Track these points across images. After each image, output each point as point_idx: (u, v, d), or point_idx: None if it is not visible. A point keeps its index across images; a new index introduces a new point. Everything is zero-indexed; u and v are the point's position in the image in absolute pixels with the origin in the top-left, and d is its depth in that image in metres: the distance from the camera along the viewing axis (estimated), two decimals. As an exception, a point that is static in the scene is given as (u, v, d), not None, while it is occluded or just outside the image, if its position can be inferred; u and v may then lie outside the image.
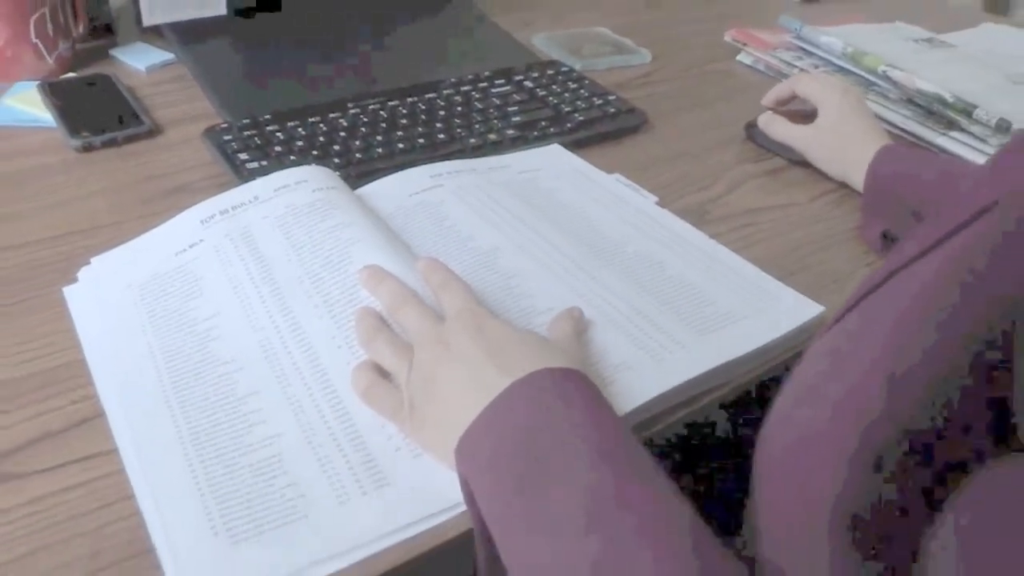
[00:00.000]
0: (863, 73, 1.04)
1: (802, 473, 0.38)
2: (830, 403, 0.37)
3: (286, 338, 0.60)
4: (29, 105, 0.94)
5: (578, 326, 0.60)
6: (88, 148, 0.86)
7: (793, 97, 0.94)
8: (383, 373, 0.56)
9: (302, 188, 0.72)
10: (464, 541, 0.49)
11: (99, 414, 0.55)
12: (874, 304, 0.40)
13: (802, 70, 1.09)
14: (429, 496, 0.50)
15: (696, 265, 0.70)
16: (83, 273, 0.66)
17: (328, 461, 0.52)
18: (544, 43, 1.16)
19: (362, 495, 0.50)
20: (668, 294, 0.66)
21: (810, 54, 1.13)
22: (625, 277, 0.68)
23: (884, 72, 1.01)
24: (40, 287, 0.66)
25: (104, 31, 1.11)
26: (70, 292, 0.65)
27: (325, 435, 0.53)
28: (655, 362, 0.59)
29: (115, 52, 1.08)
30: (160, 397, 0.55)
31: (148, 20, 1.02)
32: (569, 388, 0.49)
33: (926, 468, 0.33)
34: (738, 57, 1.19)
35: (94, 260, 0.67)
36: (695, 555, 0.40)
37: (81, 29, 1.06)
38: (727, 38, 1.23)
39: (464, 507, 0.49)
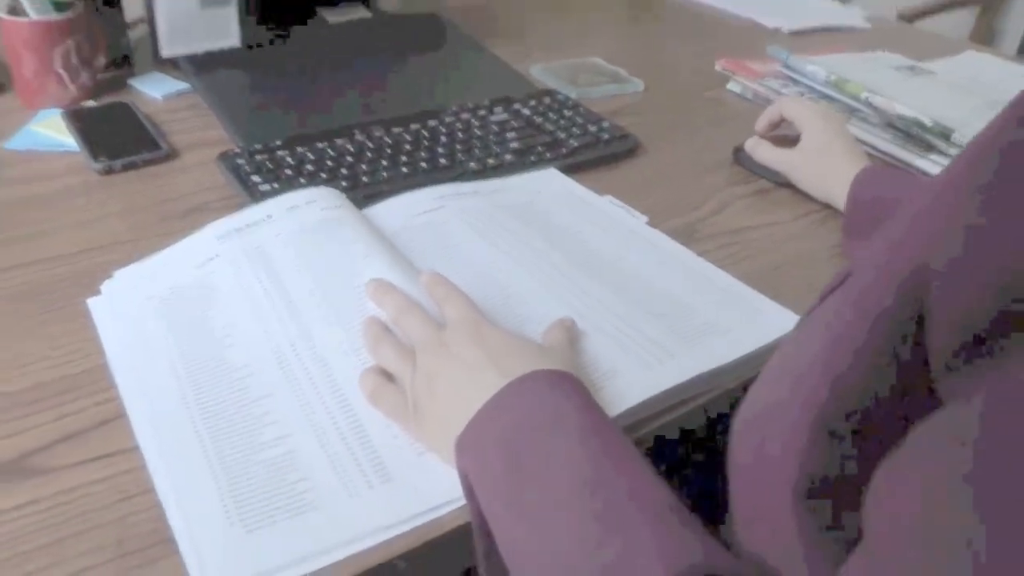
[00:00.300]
0: (846, 99, 1.09)
1: (764, 443, 0.42)
2: (787, 385, 0.42)
3: (297, 345, 0.64)
4: (53, 131, 0.99)
5: (570, 335, 0.64)
6: (109, 171, 0.91)
7: (782, 121, 0.99)
8: (388, 377, 0.60)
9: (312, 208, 0.76)
10: (464, 534, 0.52)
11: (121, 415, 0.59)
12: (827, 303, 0.44)
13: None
14: (431, 491, 0.54)
15: (683, 279, 0.74)
16: (106, 286, 0.70)
17: (337, 458, 0.55)
18: (541, 73, 1.21)
19: (369, 489, 0.54)
20: (656, 306, 0.70)
21: (796, 82, 1.18)
22: (615, 290, 0.72)
23: (866, 98, 1.06)
24: (65, 299, 0.70)
25: (123, 62, 1.16)
26: (94, 303, 0.69)
27: (334, 434, 0.57)
28: (643, 369, 0.63)
29: (133, 81, 1.13)
30: (179, 399, 0.59)
31: (166, 52, 1.07)
32: (563, 387, 0.53)
33: (872, 438, 0.36)
34: (728, 85, 1.24)
35: (116, 273, 0.71)
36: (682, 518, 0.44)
37: (102, 60, 1.11)
38: (718, 67, 1.27)
39: (463, 501, 0.52)
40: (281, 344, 0.64)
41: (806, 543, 0.39)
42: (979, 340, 0.31)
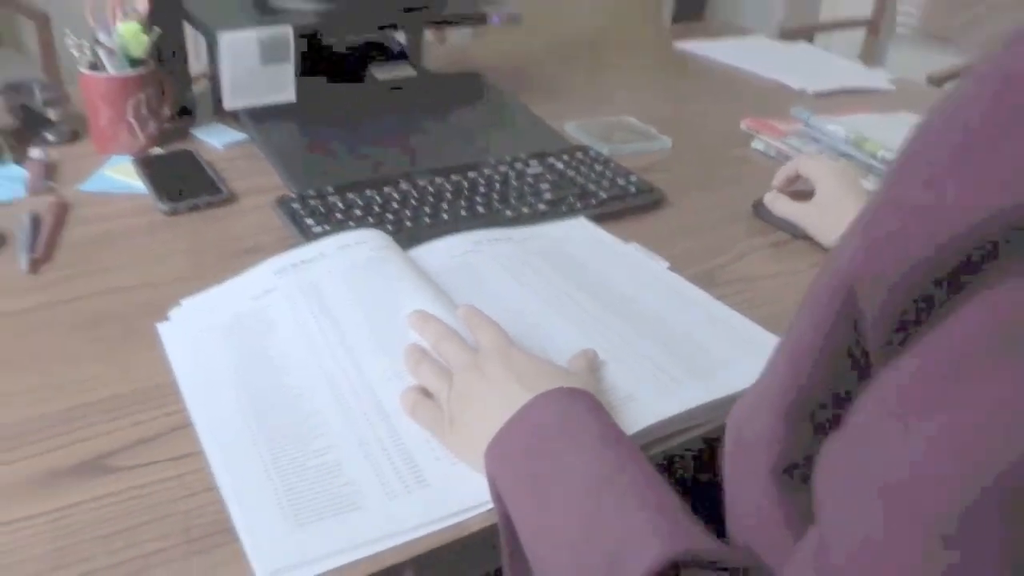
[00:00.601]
0: (864, 157, 1.15)
1: (747, 433, 0.47)
2: (764, 383, 0.48)
3: (346, 368, 0.70)
4: (124, 175, 1.08)
5: (592, 364, 0.70)
6: (174, 212, 0.99)
7: (799, 177, 1.05)
8: (427, 395, 0.66)
9: (361, 248, 0.83)
10: (491, 535, 0.58)
11: (187, 424, 0.66)
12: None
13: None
14: (462, 495, 0.60)
15: (698, 319, 0.80)
16: (174, 313, 0.78)
17: (378, 465, 0.62)
18: (575, 130, 1.29)
19: (406, 492, 0.60)
20: (671, 342, 0.76)
21: (818, 141, 1.24)
22: (634, 327, 0.78)
23: (882, 156, 1.12)
24: (137, 324, 0.77)
25: (186, 114, 1.26)
26: (163, 328, 0.76)
27: (376, 445, 0.64)
28: (657, 395, 0.69)
29: (196, 131, 1.23)
30: (239, 412, 0.66)
31: (229, 106, 1.16)
32: (582, 402, 0.59)
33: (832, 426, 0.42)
34: (752, 144, 1.30)
35: (183, 302, 0.79)
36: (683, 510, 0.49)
37: (167, 112, 1.20)
38: (743, 126, 1.34)
39: (490, 505, 0.58)
40: (331, 368, 0.71)
41: (783, 522, 0.45)
42: (903, 327, 0.37)
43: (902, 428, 0.35)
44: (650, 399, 0.68)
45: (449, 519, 0.58)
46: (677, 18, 5.04)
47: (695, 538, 0.47)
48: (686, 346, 0.76)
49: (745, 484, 0.48)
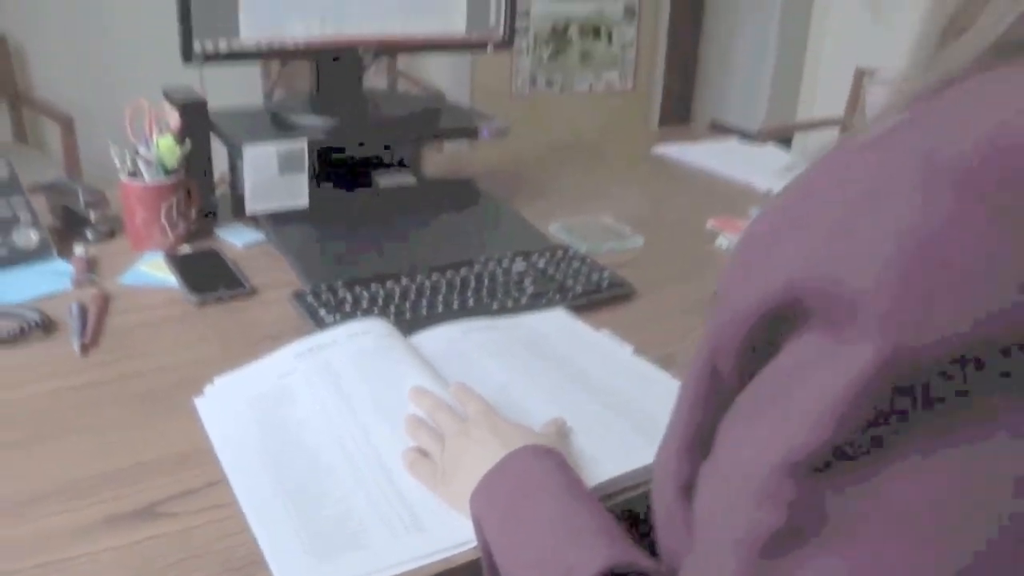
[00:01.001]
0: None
1: (660, 465, 0.59)
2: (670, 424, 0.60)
3: (356, 434, 0.84)
4: (157, 270, 1.23)
5: (561, 430, 0.84)
6: (203, 304, 1.14)
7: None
8: (423, 454, 0.80)
9: (368, 335, 0.98)
10: (476, 567, 0.71)
11: (223, 480, 0.79)
12: None
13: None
14: (453, 535, 0.73)
15: (657, 394, 0.94)
16: (208, 389, 0.92)
17: (383, 512, 0.75)
18: (558, 230, 1.44)
19: (407, 534, 0.73)
20: (631, 413, 0.90)
21: (772, 242, 1.39)
22: (600, 401, 0.92)
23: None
24: (177, 398, 0.91)
25: (209, 214, 1.41)
26: (199, 402, 0.90)
27: (381, 495, 0.77)
28: (616, 457, 0.82)
29: (218, 231, 1.38)
30: (266, 469, 0.79)
31: (251, 211, 1.32)
32: (550, 457, 0.72)
33: None
34: (717, 241, 1.46)
35: (216, 380, 0.93)
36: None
37: (194, 213, 1.36)
38: (709, 225, 1.50)
39: (475, 543, 0.71)
40: (344, 434, 0.84)
41: (688, 533, 0.57)
42: (743, 372, 0.48)
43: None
44: (610, 459, 0.81)
45: (441, 554, 0.71)
46: (665, 120, 5.29)
47: (635, 555, 0.60)
48: (643, 417, 0.89)
49: (661, 508, 0.61)
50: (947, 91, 0.42)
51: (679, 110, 5.94)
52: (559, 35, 4.55)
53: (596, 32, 4.67)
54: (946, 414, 0.38)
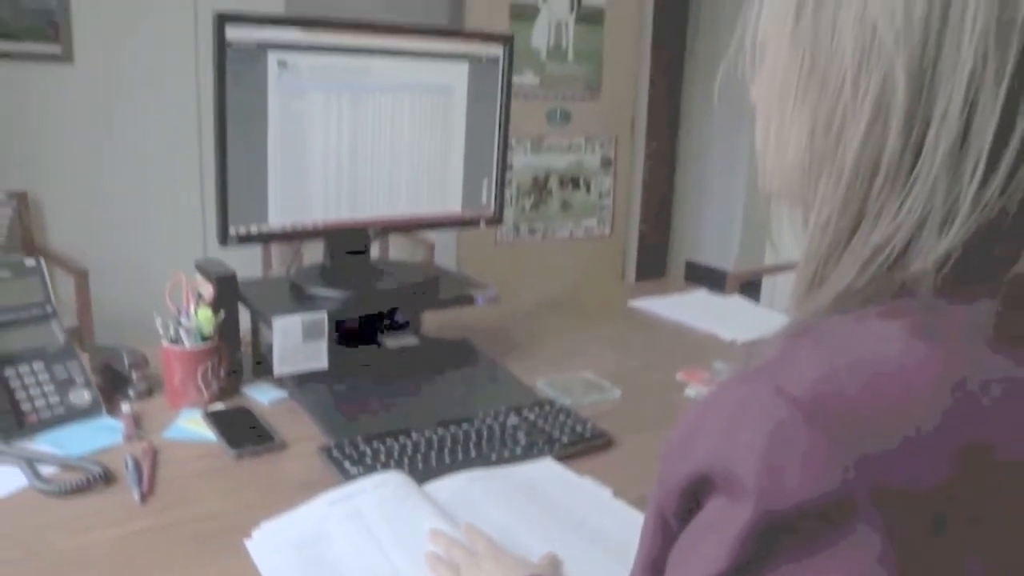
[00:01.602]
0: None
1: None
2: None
3: (385, 569, 1.01)
4: (196, 425, 1.40)
5: (554, 562, 1.01)
6: (240, 457, 1.31)
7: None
8: (442, 586, 0.97)
9: (389, 485, 1.16)
10: None
11: (276, 611, 0.96)
12: None
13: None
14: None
15: (632, 531, 1.11)
16: (256, 532, 1.09)
17: (410, 635, 0.92)
18: (545, 386, 1.64)
19: (430, 653, 0.90)
20: (612, 548, 1.07)
21: (733, 394, 1.59)
22: (585, 539, 1.09)
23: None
24: (227, 540, 1.08)
25: (235, 373, 1.60)
26: (250, 543, 1.07)
27: (408, 621, 0.94)
28: (602, 588, 0.99)
29: (245, 389, 1.56)
30: (312, 601, 0.96)
31: (278, 373, 1.51)
32: (545, 586, 0.90)
33: None
34: (685, 391, 1.65)
35: (263, 524, 1.10)
36: None
37: (224, 373, 1.55)
38: (678, 377, 1.70)
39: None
40: (374, 567, 1.01)
41: None
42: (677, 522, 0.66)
43: None
44: (596, 589, 0.99)
45: (459, 670, 0.88)
46: (642, 261, 5.57)
47: None
48: (621, 550, 1.07)
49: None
50: (806, 332, 0.62)
51: (655, 252, 6.26)
52: (540, 186, 4.85)
53: (575, 182, 4.98)
54: (805, 544, 0.57)
